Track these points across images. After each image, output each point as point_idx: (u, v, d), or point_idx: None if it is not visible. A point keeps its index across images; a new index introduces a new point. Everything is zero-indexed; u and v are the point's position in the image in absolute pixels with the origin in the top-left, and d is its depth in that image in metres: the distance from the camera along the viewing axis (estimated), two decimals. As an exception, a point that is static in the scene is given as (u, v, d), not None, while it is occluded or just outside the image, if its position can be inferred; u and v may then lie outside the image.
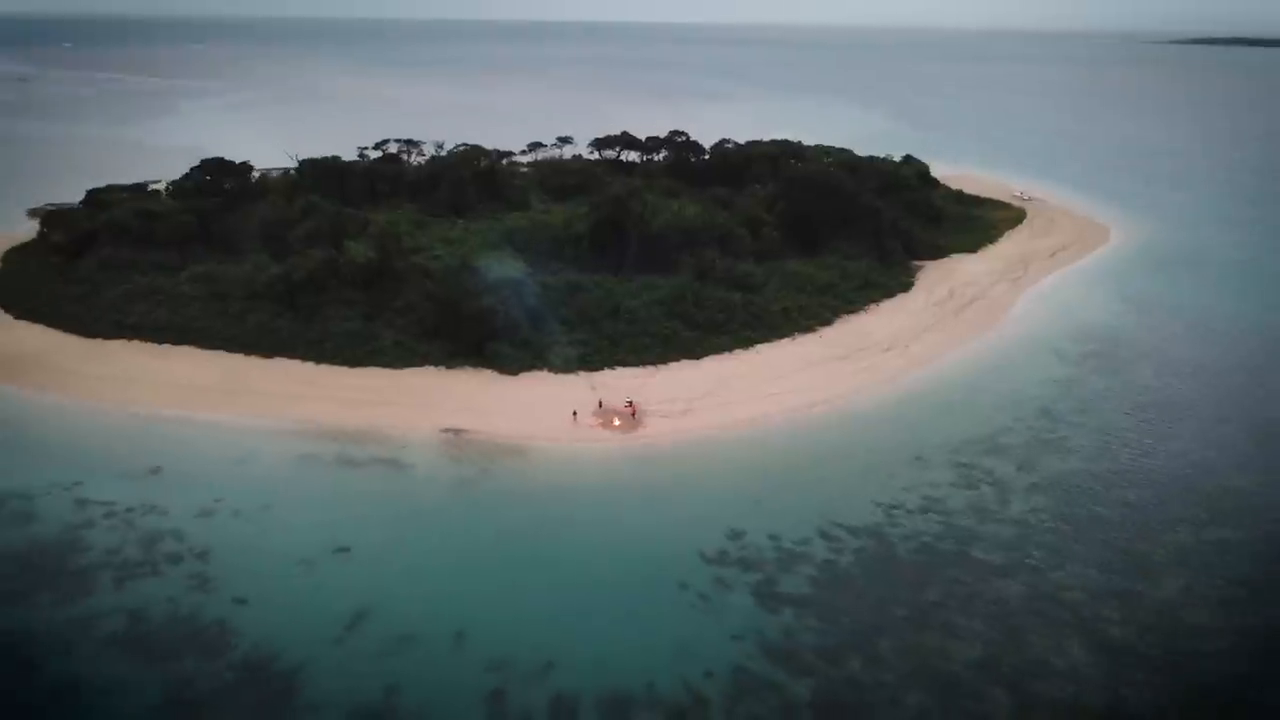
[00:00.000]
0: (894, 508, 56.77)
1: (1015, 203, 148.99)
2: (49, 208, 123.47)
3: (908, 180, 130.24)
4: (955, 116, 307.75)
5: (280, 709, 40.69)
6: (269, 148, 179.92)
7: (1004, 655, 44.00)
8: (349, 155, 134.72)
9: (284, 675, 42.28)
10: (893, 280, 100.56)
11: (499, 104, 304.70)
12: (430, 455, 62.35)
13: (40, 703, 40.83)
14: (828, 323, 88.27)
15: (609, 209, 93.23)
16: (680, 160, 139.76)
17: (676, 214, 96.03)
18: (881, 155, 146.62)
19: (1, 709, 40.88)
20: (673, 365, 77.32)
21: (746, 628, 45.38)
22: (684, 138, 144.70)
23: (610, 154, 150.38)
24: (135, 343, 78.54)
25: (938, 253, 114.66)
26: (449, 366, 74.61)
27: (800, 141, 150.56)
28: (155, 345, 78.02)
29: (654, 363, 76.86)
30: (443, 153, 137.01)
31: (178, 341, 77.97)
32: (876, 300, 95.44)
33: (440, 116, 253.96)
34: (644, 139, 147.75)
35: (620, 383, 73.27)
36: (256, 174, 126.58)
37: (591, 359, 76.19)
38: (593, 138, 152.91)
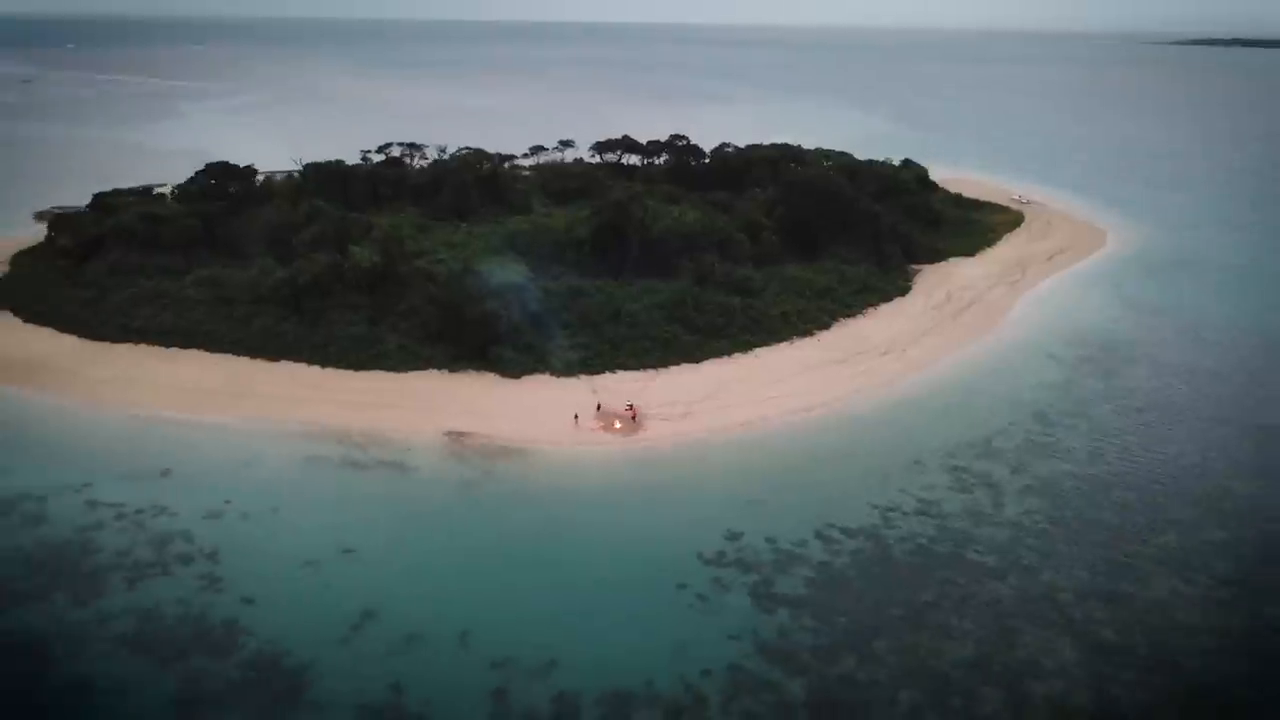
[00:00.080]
0: (890, 510, 57.77)
1: (1013, 206, 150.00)
2: (55, 210, 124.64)
3: (906, 184, 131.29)
4: (955, 118, 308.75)
5: (288, 707, 41.63)
6: (271, 149, 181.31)
7: (996, 654, 45.01)
8: (351, 157, 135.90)
9: (292, 673, 43.26)
10: (890, 284, 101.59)
11: (500, 106, 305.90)
12: (434, 458, 63.39)
13: (56, 699, 41.88)
14: (826, 327, 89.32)
15: (610, 214, 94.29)
16: (681, 164, 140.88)
17: (677, 219, 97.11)
18: (881, 158, 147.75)
19: (18, 705, 41.87)
20: (673, 369, 78.37)
21: (743, 627, 46.38)
22: (684, 141, 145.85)
23: (611, 157, 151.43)
24: (142, 346, 79.66)
25: (936, 256, 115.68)
26: (452, 370, 75.67)
27: (800, 145, 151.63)
28: (162, 349, 79.18)
29: (654, 366, 77.92)
30: (445, 156, 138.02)
31: (185, 345, 79.10)
32: (874, 304, 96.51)
33: (441, 118, 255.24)
34: (645, 143, 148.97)
35: (621, 386, 74.30)
36: (260, 177, 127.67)
37: (593, 362, 77.26)
38: (594, 141, 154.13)
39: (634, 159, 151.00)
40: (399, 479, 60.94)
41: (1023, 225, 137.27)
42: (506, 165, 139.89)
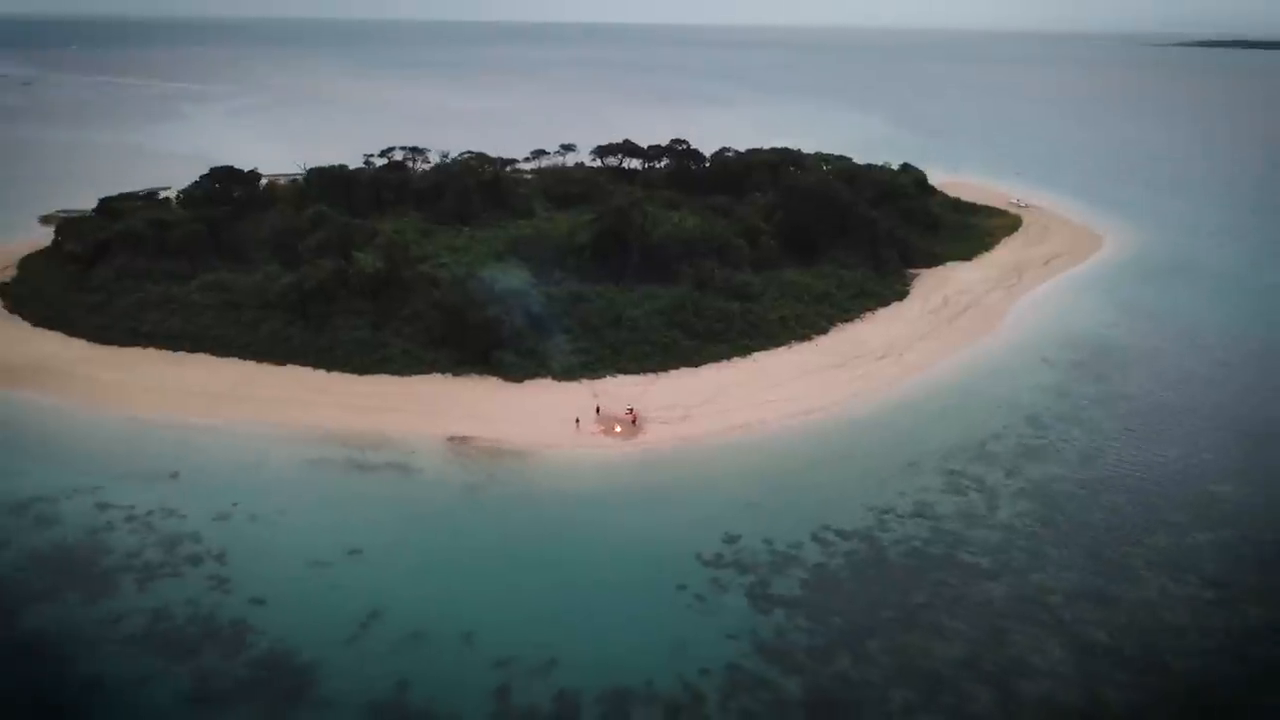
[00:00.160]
0: (885, 512, 58.88)
1: (1011, 210, 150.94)
2: (60, 214, 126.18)
3: (905, 189, 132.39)
4: (955, 121, 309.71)
5: (297, 704, 42.74)
6: (273, 152, 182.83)
7: (987, 654, 46.12)
8: (353, 160, 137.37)
9: (300, 671, 44.40)
10: (888, 289, 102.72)
11: (501, 108, 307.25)
12: (438, 460, 64.56)
13: (71, 696, 43.02)
14: (824, 331, 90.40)
15: (611, 220, 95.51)
16: (681, 168, 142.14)
17: (677, 225, 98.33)
18: (880, 163, 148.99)
19: (35, 701, 43.02)
20: (673, 373, 79.47)
21: (741, 627, 47.50)
22: (685, 146, 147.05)
23: (612, 161, 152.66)
24: (150, 350, 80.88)
25: (934, 260, 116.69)
26: (455, 374, 76.85)
27: (799, 149, 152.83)
28: (170, 353, 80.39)
29: (654, 370, 79.04)
30: (448, 159, 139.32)
31: (192, 349, 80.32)
32: (872, 309, 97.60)
33: (443, 121, 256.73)
34: (645, 147, 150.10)
35: (621, 390, 75.44)
36: (264, 181, 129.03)
37: (594, 367, 78.43)
38: (595, 145, 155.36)
39: (635, 163, 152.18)
40: (403, 481, 62.11)
41: (1020, 229, 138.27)
42: (508, 169, 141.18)
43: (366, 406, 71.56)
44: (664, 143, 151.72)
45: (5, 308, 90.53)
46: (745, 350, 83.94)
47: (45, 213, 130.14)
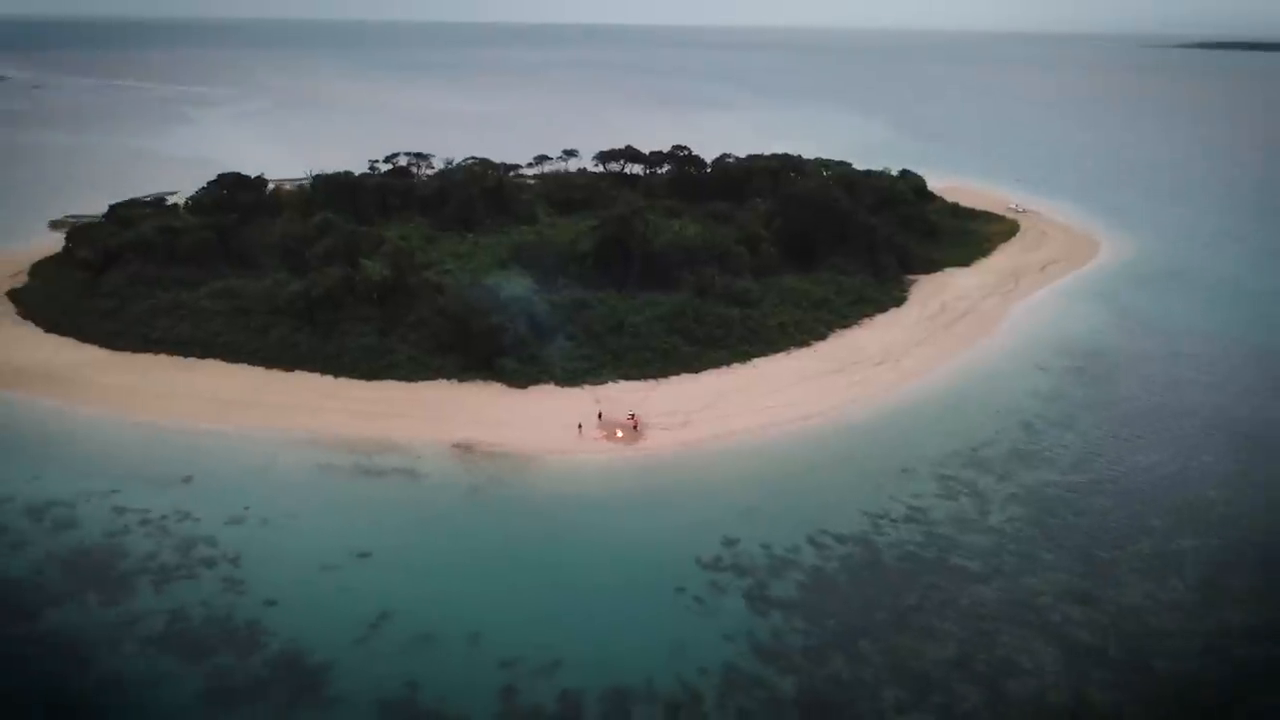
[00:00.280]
0: (880, 517, 60.40)
1: (1009, 215, 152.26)
2: (70, 219, 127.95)
3: (903, 195, 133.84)
4: (955, 124, 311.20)
5: (310, 703, 44.23)
6: (278, 156, 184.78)
7: (976, 655, 47.64)
8: (356, 163, 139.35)
9: (313, 671, 45.91)
10: (886, 295, 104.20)
11: (502, 111, 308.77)
12: (444, 465, 66.10)
13: (92, 694, 44.59)
14: (822, 337, 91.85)
15: (613, 228, 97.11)
16: (683, 174, 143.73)
17: (678, 233, 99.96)
18: (880, 168, 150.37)
19: (57, 699, 44.62)
20: (673, 379, 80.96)
21: (738, 629, 49.03)
22: (686, 151, 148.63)
23: (615, 166, 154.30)
24: (162, 356, 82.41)
25: (932, 266, 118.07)
26: (461, 380, 78.39)
27: (800, 155, 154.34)
28: (181, 359, 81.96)
29: (655, 377, 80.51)
30: (452, 165, 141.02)
31: (202, 355, 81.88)
32: (870, 315, 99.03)
33: (444, 124, 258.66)
34: (647, 153, 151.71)
35: (623, 396, 76.99)
36: (271, 185, 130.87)
37: (596, 373, 79.95)
38: (597, 150, 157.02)
39: (637, 168, 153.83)
40: (410, 486, 63.66)
41: (1018, 235, 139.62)
42: (511, 175, 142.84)
43: (373, 412, 73.12)
44: (666, 148, 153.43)
45: (18, 313, 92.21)
46: (745, 356, 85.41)
47: (55, 218, 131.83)
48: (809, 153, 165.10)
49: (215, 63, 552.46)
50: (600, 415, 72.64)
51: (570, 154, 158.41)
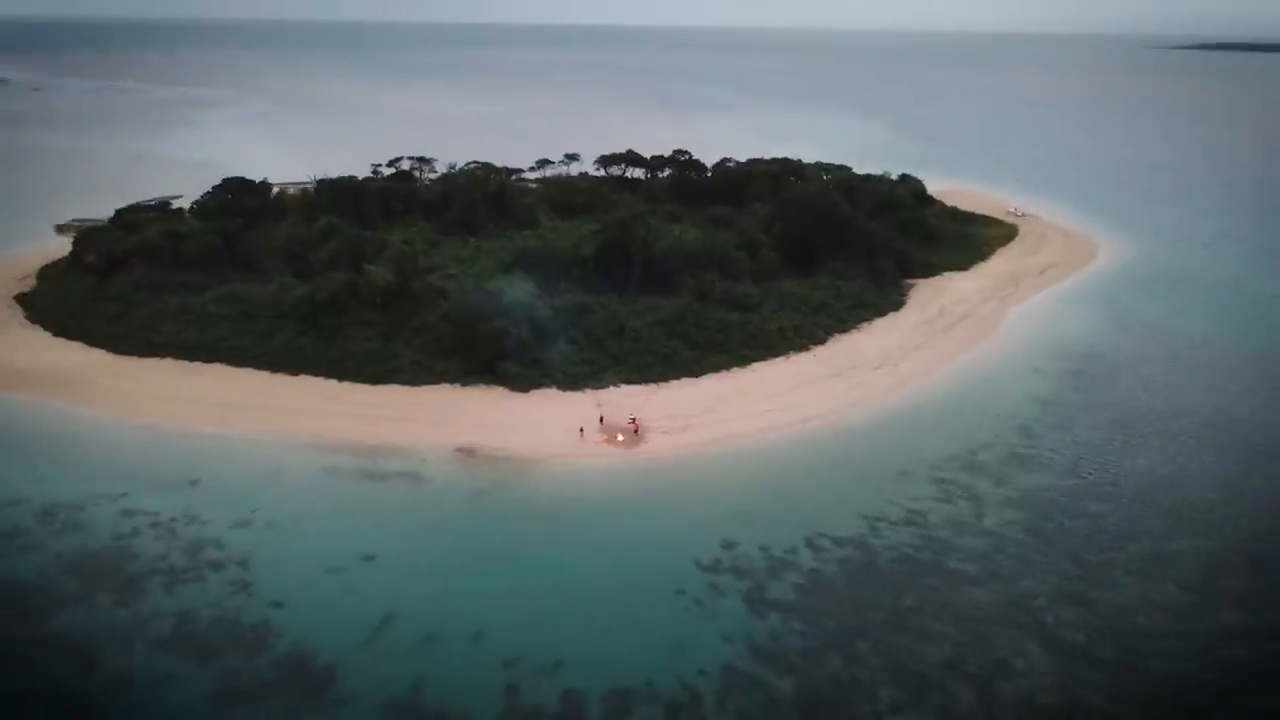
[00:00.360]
0: (877, 520, 61.25)
1: (1008, 219, 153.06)
2: (75, 223, 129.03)
3: (903, 200, 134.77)
4: (955, 127, 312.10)
5: (317, 703, 45.11)
6: (281, 159, 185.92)
7: (970, 656, 48.51)
8: (359, 166, 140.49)
9: (320, 672, 46.80)
10: (885, 299, 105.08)
11: (503, 114, 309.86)
12: (447, 469, 67.01)
13: (104, 693, 45.49)
14: (821, 342, 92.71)
15: (614, 232, 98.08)
16: (683, 178, 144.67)
17: (678, 238, 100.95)
18: (880, 172, 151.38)
19: (70, 698, 45.49)
20: (674, 383, 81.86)
21: (737, 630, 49.92)
22: (687, 156, 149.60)
23: (616, 170, 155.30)
24: (168, 360, 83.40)
25: (930, 271, 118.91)
26: (464, 384, 79.30)
27: (800, 159, 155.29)
28: (187, 363, 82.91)
29: (656, 381, 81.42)
30: (454, 169, 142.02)
31: (208, 359, 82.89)
32: (869, 319, 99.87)
33: (446, 127, 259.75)
34: (649, 157, 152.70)
35: (624, 400, 77.89)
36: (275, 189, 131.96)
37: (598, 377, 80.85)
38: (599, 154, 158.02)
39: (638, 172, 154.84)
40: (414, 489, 64.56)
41: (1016, 239, 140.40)
42: (513, 178, 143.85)
43: (378, 416, 74.00)
44: (666, 152, 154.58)
45: (26, 317, 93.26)
46: (744, 361, 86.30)
47: (60, 221, 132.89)
48: (809, 156, 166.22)
49: (215, 64, 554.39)
50: (601, 419, 73.54)
51: (572, 158, 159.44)
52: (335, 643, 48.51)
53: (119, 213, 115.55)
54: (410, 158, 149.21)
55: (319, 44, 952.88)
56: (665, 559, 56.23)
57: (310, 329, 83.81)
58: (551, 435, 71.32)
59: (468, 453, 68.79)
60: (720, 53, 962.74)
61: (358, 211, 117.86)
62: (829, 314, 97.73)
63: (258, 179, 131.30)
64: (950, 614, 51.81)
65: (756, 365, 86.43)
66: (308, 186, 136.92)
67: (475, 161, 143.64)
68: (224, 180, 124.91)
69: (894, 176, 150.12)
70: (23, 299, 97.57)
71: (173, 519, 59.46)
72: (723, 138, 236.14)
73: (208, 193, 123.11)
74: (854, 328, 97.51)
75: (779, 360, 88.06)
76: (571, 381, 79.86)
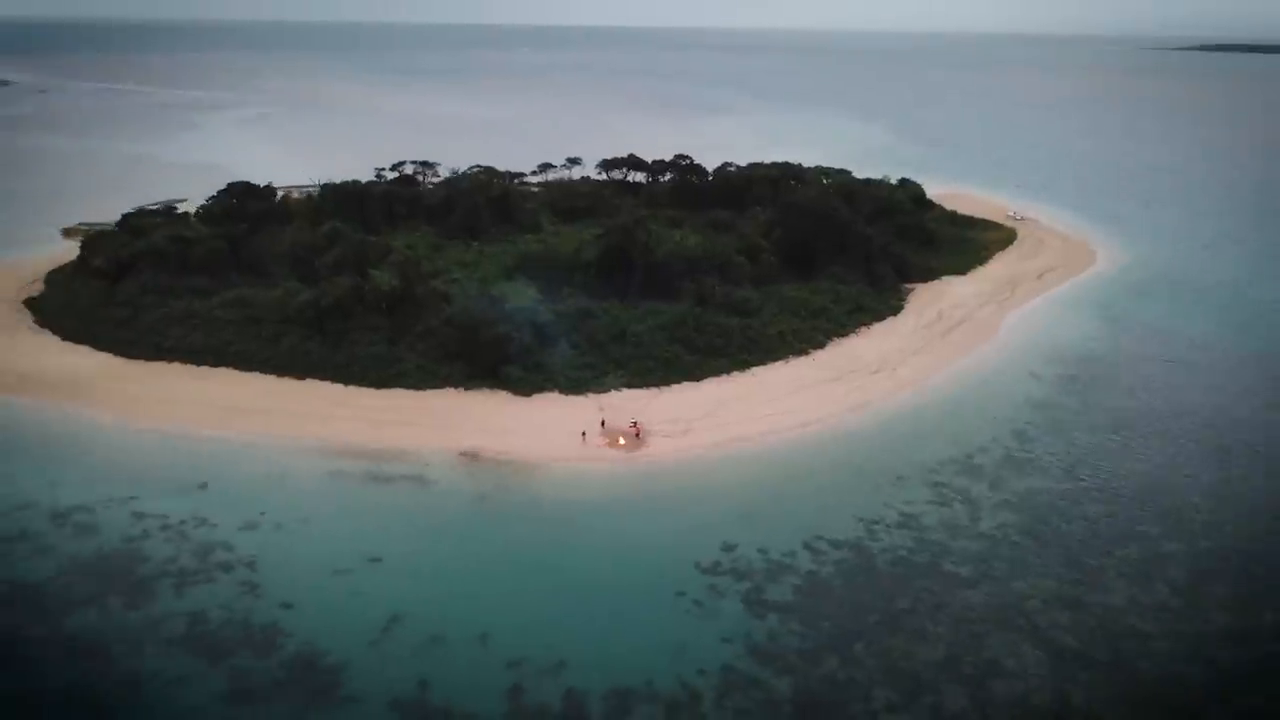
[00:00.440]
0: (874, 523, 62.29)
1: (1007, 223, 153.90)
2: (82, 227, 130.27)
3: (902, 204, 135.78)
4: (955, 129, 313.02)
5: (326, 702, 46.12)
6: (284, 161, 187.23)
7: (965, 657, 49.53)
8: (362, 170, 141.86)
9: (328, 671, 47.82)
10: (884, 304, 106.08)
11: (505, 117, 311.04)
12: (451, 472, 68.09)
13: (118, 693, 46.53)
14: (820, 346, 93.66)
15: (616, 237, 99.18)
16: (684, 183, 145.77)
17: (679, 243, 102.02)
18: (880, 176, 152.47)
19: (84, 697, 46.52)
20: (675, 387, 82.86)
21: (736, 631, 50.95)
22: (688, 161, 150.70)
23: (618, 175, 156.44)
24: (176, 364, 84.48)
25: (929, 275, 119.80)
26: (467, 388, 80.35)
27: (800, 163, 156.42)
28: (194, 367, 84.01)
29: (657, 385, 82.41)
30: (458, 174, 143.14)
31: (215, 363, 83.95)
32: (868, 323, 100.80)
33: (448, 130, 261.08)
34: (650, 161, 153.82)
35: (625, 404, 78.91)
36: (280, 193, 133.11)
37: (599, 381, 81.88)
38: (600, 158, 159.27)
39: (640, 177, 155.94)
40: (419, 492, 65.62)
41: (1014, 243, 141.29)
42: (516, 182, 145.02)
43: (383, 420, 75.00)
44: (668, 155, 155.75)
45: (35, 321, 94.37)
46: (744, 365, 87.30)
47: (68, 225, 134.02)
48: (809, 159, 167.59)
49: (215, 66, 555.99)
50: (603, 423, 74.57)
51: (574, 162, 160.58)
52: (343, 643, 49.51)
53: (125, 217, 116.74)
54: (413, 162, 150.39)
55: (318, 45, 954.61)
56: (666, 561, 57.28)
57: (316, 333, 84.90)
58: (554, 439, 72.36)
59: (471, 456, 69.86)
60: (720, 53, 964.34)
61: (362, 216, 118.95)
62: (828, 318, 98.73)
63: (261, 183, 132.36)
64: (945, 616, 52.84)
65: (756, 369, 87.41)
66: (311, 190, 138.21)
67: (478, 165, 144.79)
68: (229, 185, 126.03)
69: (894, 181, 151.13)
70: (31, 303, 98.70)
71: (182, 521, 60.50)
72: (723, 140, 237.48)
73: (213, 197, 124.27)
74: (853, 332, 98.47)
75: (779, 364, 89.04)
76: (574, 386, 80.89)
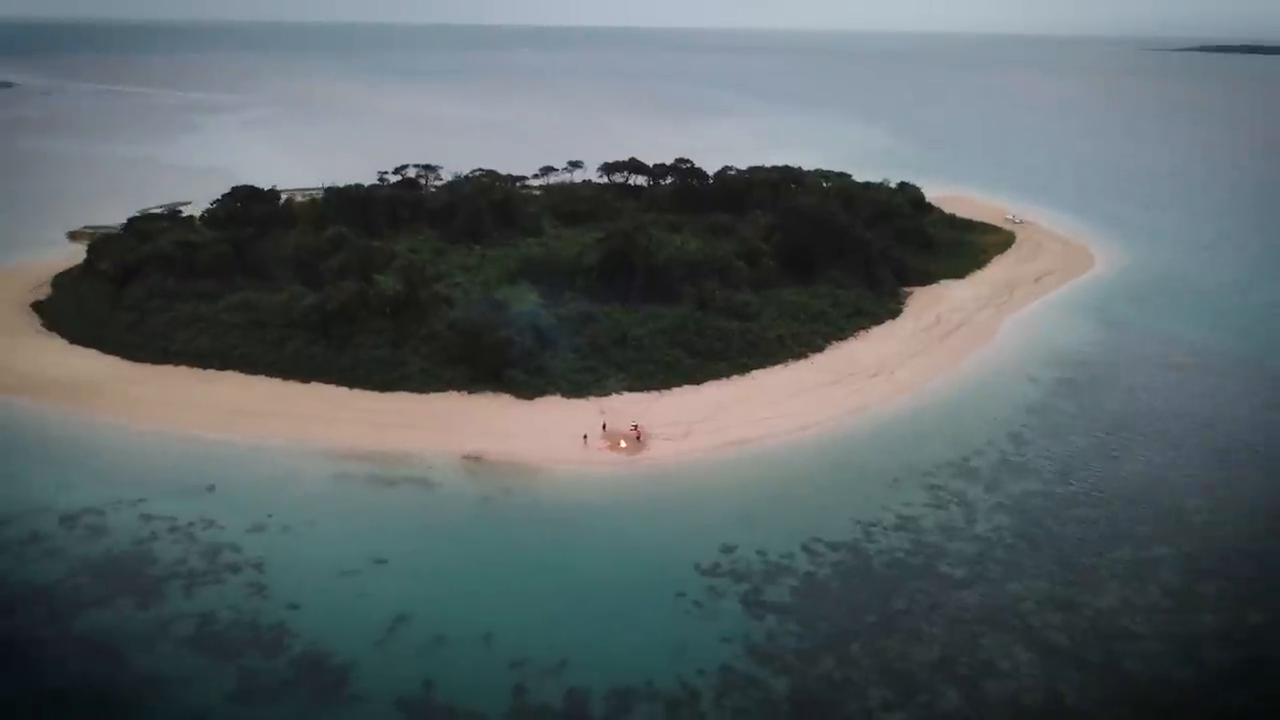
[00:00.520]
0: (871, 525, 63.27)
1: (1006, 226, 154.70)
2: (87, 230, 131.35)
3: (901, 208, 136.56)
4: (955, 131, 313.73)
5: (333, 701, 47.15)
6: (287, 163, 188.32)
7: (959, 657, 50.50)
8: (365, 172, 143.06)
9: (335, 671, 48.85)
10: (882, 308, 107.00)
11: (508, 119, 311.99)
12: (455, 475, 69.09)
13: (130, 691, 47.55)
14: (819, 349, 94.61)
15: (618, 242, 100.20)
16: (685, 186, 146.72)
17: (679, 248, 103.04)
18: (879, 179, 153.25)
19: (97, 696, 47.58)
20: (675, 390, 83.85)
21: (735, 631, 51.96)
22: (689, 165, 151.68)
23: (619, 178, 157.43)
24: (182, 368, 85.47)
25: (928, 278, 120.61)
26: (470, 391, 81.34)
27: (800, 167, 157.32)
28: (200, 370, 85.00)
29: (658, 388, 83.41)
30: (460, 177, 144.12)
31: (221, 367, 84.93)
32: (866, 327, 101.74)
33: (450, 132, 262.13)
34: (651, 165, 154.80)
35: (627, 407, 79.88)
36: (284, 197, 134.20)
37: (601, 384, 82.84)
38: (602, 160, 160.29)
39: (641, 180, 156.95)
40: (423, 495, 66.62)
41: (1013, 246, 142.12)
42: (518, 185, 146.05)
43: (387, 423, 75.97)
44: (668, 158, 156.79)
45: (43, 325, 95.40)
46: (744, 368, 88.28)
47: (73, 228, 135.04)
48: (810, 162, 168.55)
49: (215, 67, 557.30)
50: (604, 426, 75.55)
51: (575, 165, 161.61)
52: (349, 643, 50.53)
53: (131, 221, 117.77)
54: (416, 165, 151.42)
55: (317, 46, 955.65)
56: (666, 562, 58.29)
57: (321, 337, 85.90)
58: (556, 442, 73.34)
59: (474, 459, 70.85)
60: (721, 54, 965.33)
61: (365, 220, 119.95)
62: (827, 322, 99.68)
63: (264, 185, 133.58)
64: (940, 616, 53.81)
65: (756, 373, 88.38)
66: (315, 194, 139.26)
67: (480, 169, 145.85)
68: (234, 189, 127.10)
69: (893, 184, 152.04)
70: (39, 306, 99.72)
71: (190, 524, 61.52)
72: (724, 142, 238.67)
73: (218, 201, 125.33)
74: (851, 336, 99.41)
75: (778, 368, 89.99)
76: (575, 389, 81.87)
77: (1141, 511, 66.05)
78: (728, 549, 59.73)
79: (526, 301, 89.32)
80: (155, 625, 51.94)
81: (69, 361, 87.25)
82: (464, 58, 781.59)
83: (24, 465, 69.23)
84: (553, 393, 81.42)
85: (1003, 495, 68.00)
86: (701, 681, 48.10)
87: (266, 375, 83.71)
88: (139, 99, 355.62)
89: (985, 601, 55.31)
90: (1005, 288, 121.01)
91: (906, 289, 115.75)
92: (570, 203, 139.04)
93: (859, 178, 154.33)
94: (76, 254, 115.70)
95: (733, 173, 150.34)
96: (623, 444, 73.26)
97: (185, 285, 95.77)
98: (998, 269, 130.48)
